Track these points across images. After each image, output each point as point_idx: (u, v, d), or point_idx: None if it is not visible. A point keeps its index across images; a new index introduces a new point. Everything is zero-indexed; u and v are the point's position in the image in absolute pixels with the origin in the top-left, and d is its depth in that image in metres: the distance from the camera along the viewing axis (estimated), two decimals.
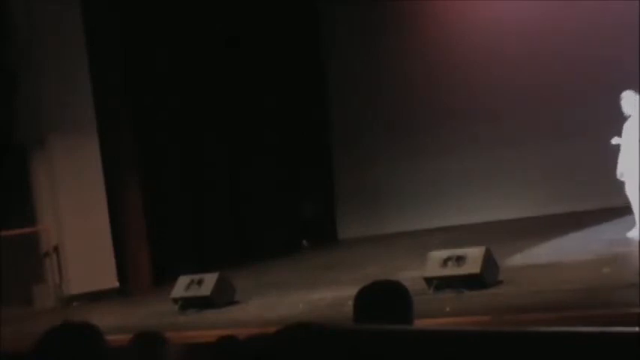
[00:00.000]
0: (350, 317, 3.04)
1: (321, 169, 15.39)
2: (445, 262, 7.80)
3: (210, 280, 9.01)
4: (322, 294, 8.82)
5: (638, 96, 9.40)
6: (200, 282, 9.04)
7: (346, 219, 15.41)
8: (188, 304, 9.03)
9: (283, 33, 14.56)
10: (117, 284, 11.88)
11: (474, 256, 7.72)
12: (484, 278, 7.59)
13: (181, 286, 9.17)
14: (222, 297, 8.97)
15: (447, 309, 6.90)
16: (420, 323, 3.59)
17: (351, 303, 3.12)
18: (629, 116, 9.40)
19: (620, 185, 9.63)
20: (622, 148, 9.41)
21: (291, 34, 14.73)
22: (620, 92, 9.92)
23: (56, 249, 11.72)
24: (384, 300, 3.02)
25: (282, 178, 14.71)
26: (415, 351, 1.77)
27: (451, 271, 7.71)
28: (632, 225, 9.45)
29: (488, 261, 7.75)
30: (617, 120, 11.20)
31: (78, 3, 11.80)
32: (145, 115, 12.79)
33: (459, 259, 7.73)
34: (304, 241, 14.79)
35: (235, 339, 3.43)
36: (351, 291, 3.31)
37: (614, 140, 9.53)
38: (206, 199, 13.77)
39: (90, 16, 11.90)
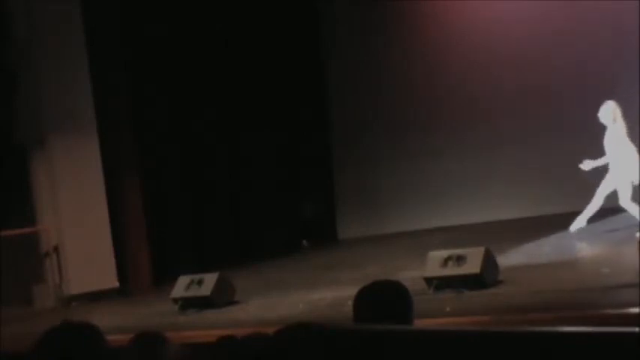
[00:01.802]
0: (350, 317, 3.04)
1: (321, 169, 15.39)
2: (445, 262, 7.80)
3: (210, 280, 9.01)
4: (322, 294, 8.82)
5: (616, 107, 9.45)
6: (200, 282, 9.04)
7: (346, 219, 15.40)
8: (188, 304, 9.03)
9: (283, 33, 14.56)
10: (117, 284, 11.87)
11: (473, 256, 7.72)
12: (484, 278, 7.59)
13: (181, 286, 9.17)
14: (222, 297, 8.97)
15: (447, 309, 6.90)
16: (420, 323, 3.59)
17: (351, 303, 3.12)
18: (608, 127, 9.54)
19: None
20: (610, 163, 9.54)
21: (291, 34, 14.73)
22: (621, 92, 9.95)
23: (56, 249, 11.71)
24: (384, 300, 3.03)
25: (282, 178, 14.70)
26: (415, 351, 1.78)
27: (451, 271, 7.71)
28: (633, 225, 9.47)
29: (488, 261, 7.75)
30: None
31: (78, 3, 11.79)
32: (145, 116, 12.79)
33: (459, 259, 7.73)
34: (304, 241, 14.79)
35: (235, 339, 3.43)
36: (351, 291, 3.31)
37: (586, 165, 9.60)
38: (206, 199, 13.77)
39: (90, 16, 11.90)
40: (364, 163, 15.03)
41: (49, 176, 11.67)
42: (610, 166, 9.65)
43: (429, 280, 7.77)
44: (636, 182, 9.41)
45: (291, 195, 14.83)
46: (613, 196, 9.74)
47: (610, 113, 9.54)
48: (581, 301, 6.58)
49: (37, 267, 11.73)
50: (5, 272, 10.95)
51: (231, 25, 14.03)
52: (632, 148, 9.46)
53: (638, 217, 9.52)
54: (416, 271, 8.30)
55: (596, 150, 10.64)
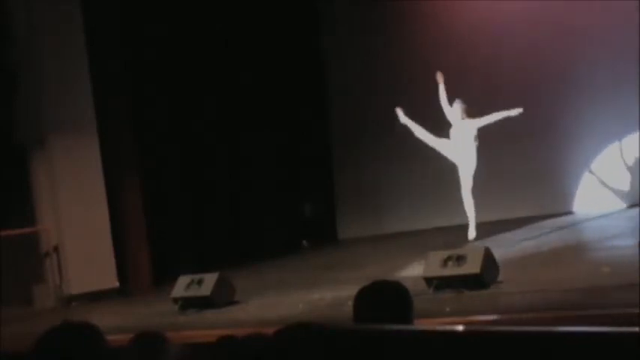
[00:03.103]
0: (350, 317, 3.04)
1: (321, 169, 15.38)
2: (445, 262, 7.80)
3: (210, 280, 9.01)
4: (322, 294, 8.81)
5: (464, 106, 10.44)
6: (200, 282, 9.04)
7: (346, 219, 15.39)
8: (188, 304, 9.03)
9: (283, 33, 14.56)
10: (117, 284, 11.87)
11: (473, 256, 7.72)
12: (484, 278, 7.59)
13: (181, 286, 9.17)
14: (222, 297, 8.97)
15: (447, 309, 6.90)
16: (420, 323, 3.59)
17: (351, 303, 3.12)
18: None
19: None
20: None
21: (291, 34, 14.73)
22: (621, 92, 9.96)
23: (56, 249, 11.71)
24: (384, 300, 3.02)
25: (282, 178, 14.70)
26: (415, 351, 1.78)
27: (451, 271, 7.71)
28: (635, 225, 9.49)
29: (488, 261, 7.75)
30: (616, 120, 11.22)
31: (78, 3, 11.79)
32: (145, 116, 12.79)
33: (459, 259, 7.73)
34: (304, 241, 14.79)
35: (235, 339, 3.43)
36: (351, 291, 3.32)
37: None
38: (206, 199, 13.77)
39: (90, 16, 11.90)
40: (364, 163, 15.02)
41: (49, 176, 11.67)
42: (456, 161, 10.45)
43: (429, 280, 7.77)
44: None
45: (291, 195, 14.83)
46: (613, 197, 9.73)
47: (459, 112, 10.42)
48: (581, 300, 6.58)
49: (37, 267, 11.73)
50: (5, 272, 10.95)
51: (231, 25, 14.03)
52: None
53: (469, 212, 10.29)
54: (416, 271, 8.30)
55: (595, 149, 10.71)
